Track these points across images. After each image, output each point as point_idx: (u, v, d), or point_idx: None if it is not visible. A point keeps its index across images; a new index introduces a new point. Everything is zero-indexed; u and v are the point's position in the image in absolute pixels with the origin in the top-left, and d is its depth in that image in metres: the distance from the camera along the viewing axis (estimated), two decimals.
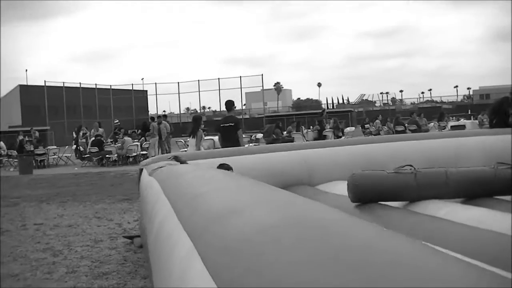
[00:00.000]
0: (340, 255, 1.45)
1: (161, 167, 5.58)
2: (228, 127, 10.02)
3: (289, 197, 2.74)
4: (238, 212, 2.19)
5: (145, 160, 8.45)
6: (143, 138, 25.98)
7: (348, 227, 1.86)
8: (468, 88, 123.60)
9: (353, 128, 40.12)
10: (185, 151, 23.09)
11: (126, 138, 25.15)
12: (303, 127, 28.91)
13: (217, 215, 2.26)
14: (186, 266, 1.95)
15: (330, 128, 25.53)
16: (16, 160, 25.66)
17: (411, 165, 5.58)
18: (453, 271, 1.31)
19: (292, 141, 23.22)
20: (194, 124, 13.38)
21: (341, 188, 6.89)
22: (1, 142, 31.38)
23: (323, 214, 2.10)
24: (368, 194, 5.60)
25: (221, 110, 69.52)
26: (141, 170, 7.20)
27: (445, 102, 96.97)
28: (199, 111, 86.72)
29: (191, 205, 2.75)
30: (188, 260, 1.96)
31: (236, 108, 12.89)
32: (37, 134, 30.63)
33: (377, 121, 31.89)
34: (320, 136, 25.04)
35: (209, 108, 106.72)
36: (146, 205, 4.89)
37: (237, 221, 2.05)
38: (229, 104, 10.92)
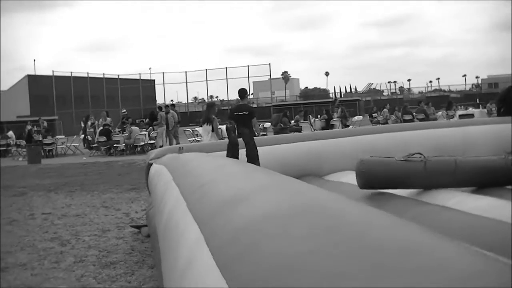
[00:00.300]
0: (347, 241, 1.42)
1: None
2: (241, 116, 9.94)
3: (297, 185, 2.72)
4: (246, 199, 2.17)
5: (152, 151, 8.44)
6: (150, 127, 25.96)
7: (356, 214, 1.84)
8: (477, 77, 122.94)
9: (361, 117, 39.98)
10: (195, 140, 23.07)
11: (133, 127, 25.15)
12: (310, 116, 28.79)
13: (225, 203, 2.24)
14: (193, 256, 1.93)
15: (337, 117, 25.45)
16: (24, 149, 25.73)
17: (420, 153, 5.53)
18: (463, 259, 1.29)
19: (300, 130, 23.18)
20: (208, 111, 12.96)
21: (349, 178, 6.86)
22: (10, 132, 31.48)
23: (331, 203, 2.08)
24: (376, 180, 5.57)
25: (229, 99, 69.49)
26: (150, 164, 7.21)
27: (453, 91, 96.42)
28: (206, 101, 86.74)
29: (199, 193, 2.73)
30: (196, 249, 1.94)
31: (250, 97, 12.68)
32: (45, 124, 30.62)
33: (384, 110, 31.75)
34: (328, 125, 24.98)
35: (216, 97, 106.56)
36: (155, 194, 4.88)
37: (244, 209, 2.03)
38: (243, 92, 10.77)
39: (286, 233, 1.59)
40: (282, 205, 1.96)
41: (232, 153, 7.68)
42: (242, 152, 7.90)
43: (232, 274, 1.47)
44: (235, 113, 10.07)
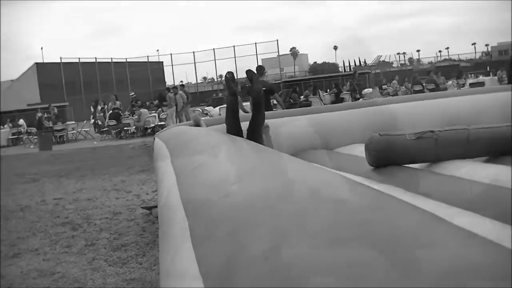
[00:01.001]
0: (337, 223, 1.35)
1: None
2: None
3: (292, 166, 2.64)
4: (234, 185, 2.10)
5: (161, 131, 8.39)
6: (160, 109, 25.95)
7: (355, 200, 1.75)
8: (486, 45, 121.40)
9: (371, 89, 39.79)
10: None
11: (142, 110, 25.17)
12: (319, 90, 28.65)
13: (212, 189, 2.16)
14: (177, 247, 1.85)
15: (347, 91, 25.31)
16: (35, 137, 25.82)
17: (432, 130, 5.41)
18: (456, 240, 1.23)
19: (310, 105, 23.07)
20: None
21: (359, 151, 6.77)
22: (21, 120, 31.59)
23: (323, 186, 1.98)
24: (386, 158, 5.47)
25: (238, 78, 69.21)
26: (154, 139, 7.14)
27: (463, 60, 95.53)
28: (215, 80, 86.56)
29: (192, 177, 2.67)
30: (180, 240, 1.86)
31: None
32: (55, 110, 30.67)
33: (394, 81, 31.62)
34: (338, 99, 24.86)
35: None
36: (156, 174, 4.83)
37: (230, 197, 1.95)
38: (260, 69, 10.66)
39: (267, 223, 1.51)
40: (267, 192, 1.88)
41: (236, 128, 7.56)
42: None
43: (209, 270, 1.39)
44: None
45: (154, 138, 7.29)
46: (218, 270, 1.35)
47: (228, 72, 6.45)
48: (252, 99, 7.80)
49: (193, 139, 4.43)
